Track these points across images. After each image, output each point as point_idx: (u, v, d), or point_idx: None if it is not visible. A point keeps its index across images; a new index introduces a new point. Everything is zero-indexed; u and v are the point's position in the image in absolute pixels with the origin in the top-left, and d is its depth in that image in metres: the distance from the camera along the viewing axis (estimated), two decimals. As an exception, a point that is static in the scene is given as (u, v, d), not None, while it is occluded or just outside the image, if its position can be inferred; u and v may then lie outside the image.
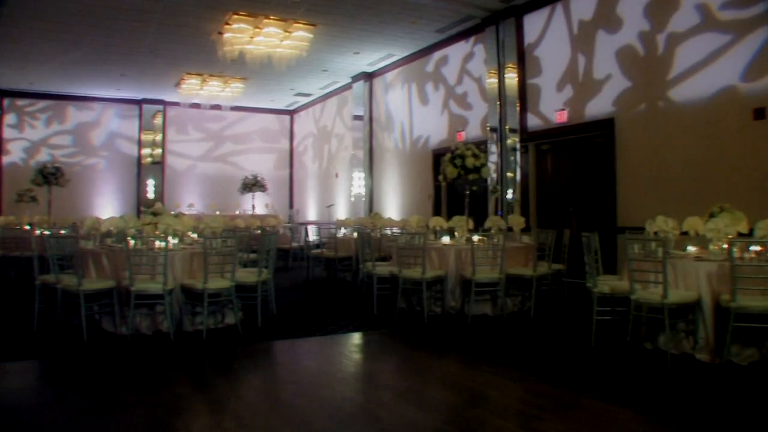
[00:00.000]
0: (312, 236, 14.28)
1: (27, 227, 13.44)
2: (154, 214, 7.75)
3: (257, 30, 12.34)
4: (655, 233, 6.41)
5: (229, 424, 4.12)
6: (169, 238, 7.34)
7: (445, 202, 13.93)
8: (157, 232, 7.44)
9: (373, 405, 4.60)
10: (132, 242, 7.12)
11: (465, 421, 4.24)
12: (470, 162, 8.55)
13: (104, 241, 7.90)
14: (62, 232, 11.41)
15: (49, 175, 14.72)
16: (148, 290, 6.61)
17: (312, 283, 11.46)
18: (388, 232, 11.62)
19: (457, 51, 13.53)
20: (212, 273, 6.82)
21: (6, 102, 19.33)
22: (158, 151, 20.80)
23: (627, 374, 5.35)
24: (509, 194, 11.53)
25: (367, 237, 8.92)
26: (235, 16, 12.04)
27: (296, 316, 8.12)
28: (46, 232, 11.90)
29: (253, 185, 19.27)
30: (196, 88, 17.40)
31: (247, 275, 7.42)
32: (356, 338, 7.02)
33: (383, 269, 8.32)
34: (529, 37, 11.47)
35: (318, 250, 12.16)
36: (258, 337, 6.85)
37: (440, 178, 9.15)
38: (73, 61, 15.53)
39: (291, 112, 22.91)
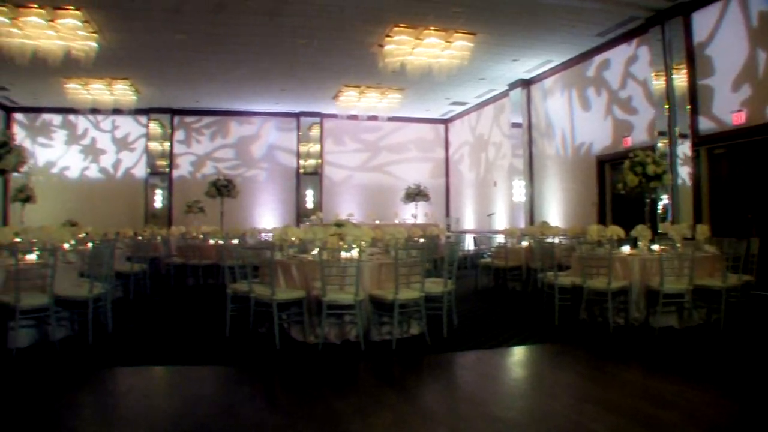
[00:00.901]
0: (471, 245, 14.27)
1: (201, 237, 14.33)
2: (338, 225, 7.99)
3: (418, 41, 12.60)
4: None
5: (452, 436, 4.24)
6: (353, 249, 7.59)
7: (610, 209, 13.64)
8: (341, 243, 7.67)
9: (585, 419, 4.54)
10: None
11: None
12: (651, 169, 8.38)
13: (289, 252, 8.21)
14: (234, 241, 12.11)
15: (222, 188, 15.71)
16: (340, 301, 6.79)
17: (481, 293, 11.40)
18: (556, 240, 11.47)
19: (619, 54, 13.24)
20: (400, 283, 6.96)
21: (176, 120, 20.74)
22: (315, 161, 21.60)
23: None
24: (678, 201, 11.15)
25: (548, 247, 8.88)
26: (396, 29, 12.37)
27: (477, 327, 8.17)
28: (221, 242, 12.67)
29: (416, 195, 19.62)
30: (353, 100, 17.94)
31: (434, 285, 7.53)
32: (543, 349, 7.00)
33: (565, 279, 8.25)
34: (699, 35, 11.04)
35: (486, 259, 12.14)
36: (446, 348, 6.93)
37: (619, 186, 9.02)
38: (236, 78, 16.49)
39: (445, 121, 23.14)
